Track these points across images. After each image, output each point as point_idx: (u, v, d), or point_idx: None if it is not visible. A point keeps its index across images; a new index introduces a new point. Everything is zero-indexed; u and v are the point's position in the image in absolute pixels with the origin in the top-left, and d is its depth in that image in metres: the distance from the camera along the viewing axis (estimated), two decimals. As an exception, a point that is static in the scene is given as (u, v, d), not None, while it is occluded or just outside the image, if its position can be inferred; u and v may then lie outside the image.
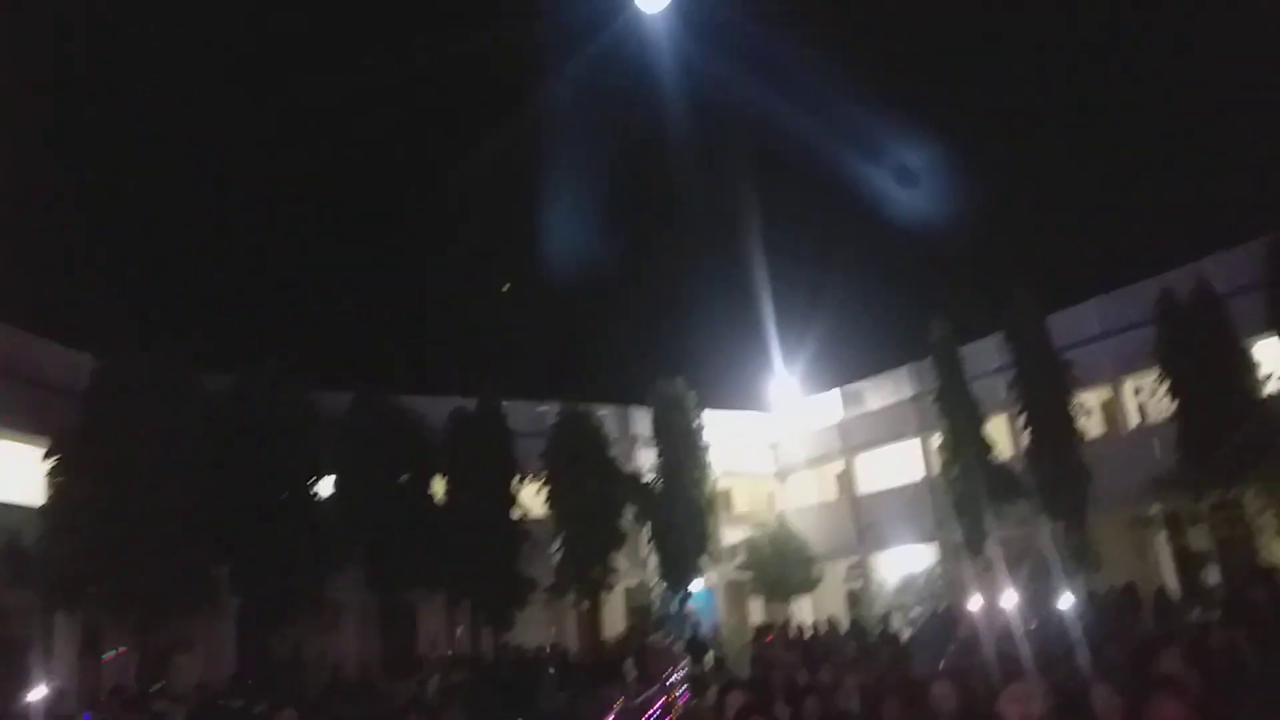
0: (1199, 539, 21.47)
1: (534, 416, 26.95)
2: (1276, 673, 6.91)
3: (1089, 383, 23.62)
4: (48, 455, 18.04)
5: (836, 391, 32.86)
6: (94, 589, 17.27)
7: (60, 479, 17.85)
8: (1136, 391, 24.57)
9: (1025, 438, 23.33)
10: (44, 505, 17.76)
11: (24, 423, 18.93)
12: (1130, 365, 23.35)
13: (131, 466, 17.50)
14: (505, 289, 35.81)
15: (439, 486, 24.32)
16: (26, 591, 16.84)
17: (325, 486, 22.46)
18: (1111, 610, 12.60)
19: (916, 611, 22.76)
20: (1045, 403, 22.73)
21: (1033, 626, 11.72)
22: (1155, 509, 22.04)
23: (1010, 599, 11.22)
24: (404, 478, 23.31)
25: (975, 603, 12.14)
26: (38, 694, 12.75)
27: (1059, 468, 22.05)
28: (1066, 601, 12.57)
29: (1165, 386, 20.77)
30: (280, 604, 20.08)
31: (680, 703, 17.84)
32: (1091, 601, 14.85)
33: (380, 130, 49.72)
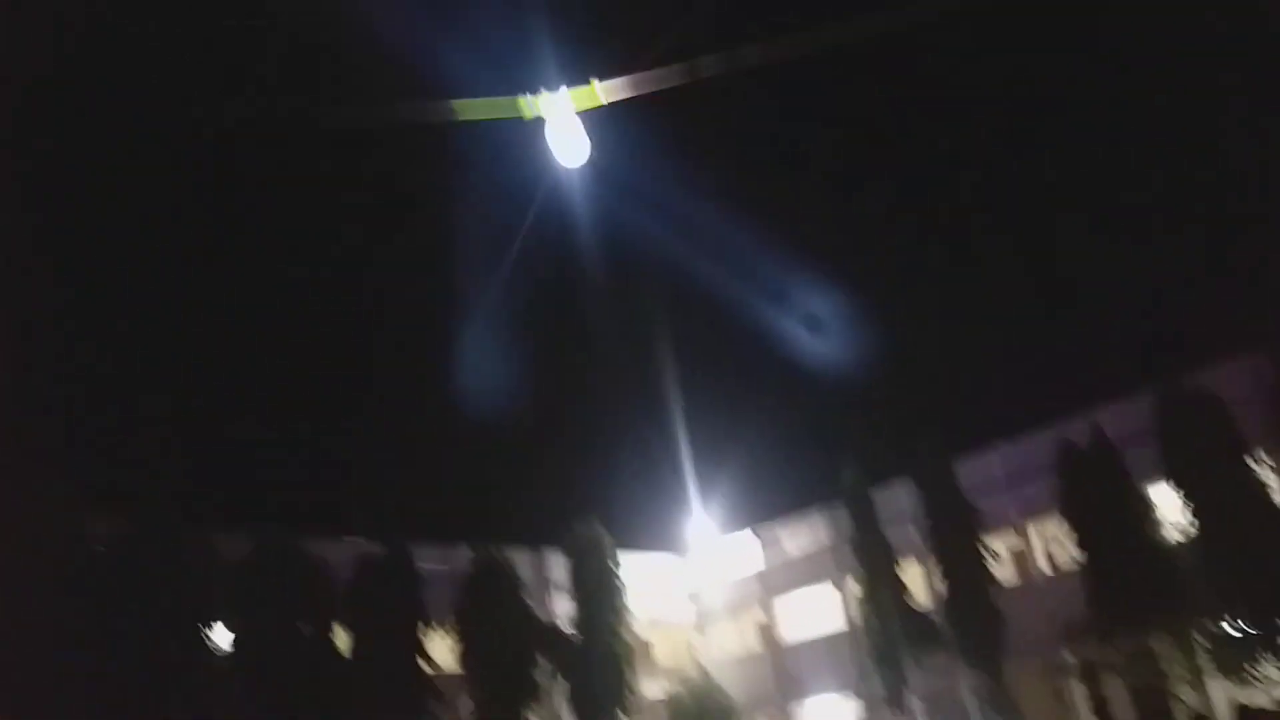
0: (1115, 688, 21.58)
1: (444, 560, 25.99)
2: None
3: (998, 529, 24.07)
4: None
5: (752, 534, 32.68)
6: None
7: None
8: (1044, 539, 25.08)
9: (942, 586, 23.39)
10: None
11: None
12: (1036, 512, 23.95)
13: (14, 617, 16.13)
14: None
15: (342, 637, 22.99)
16: None
17: (220, 637, 21.05)
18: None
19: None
20: (958, 549, 22.97)
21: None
22: (1070, 658, 22.15)
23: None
24: (306, 630, 21.96)
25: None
26: None
27: (975, 615, 22.12)
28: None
29: (1071, 533, 21.20)
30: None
31: None
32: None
33: (288, 264, 49.28)
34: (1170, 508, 20.14)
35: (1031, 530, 25.34)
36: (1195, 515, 18.67)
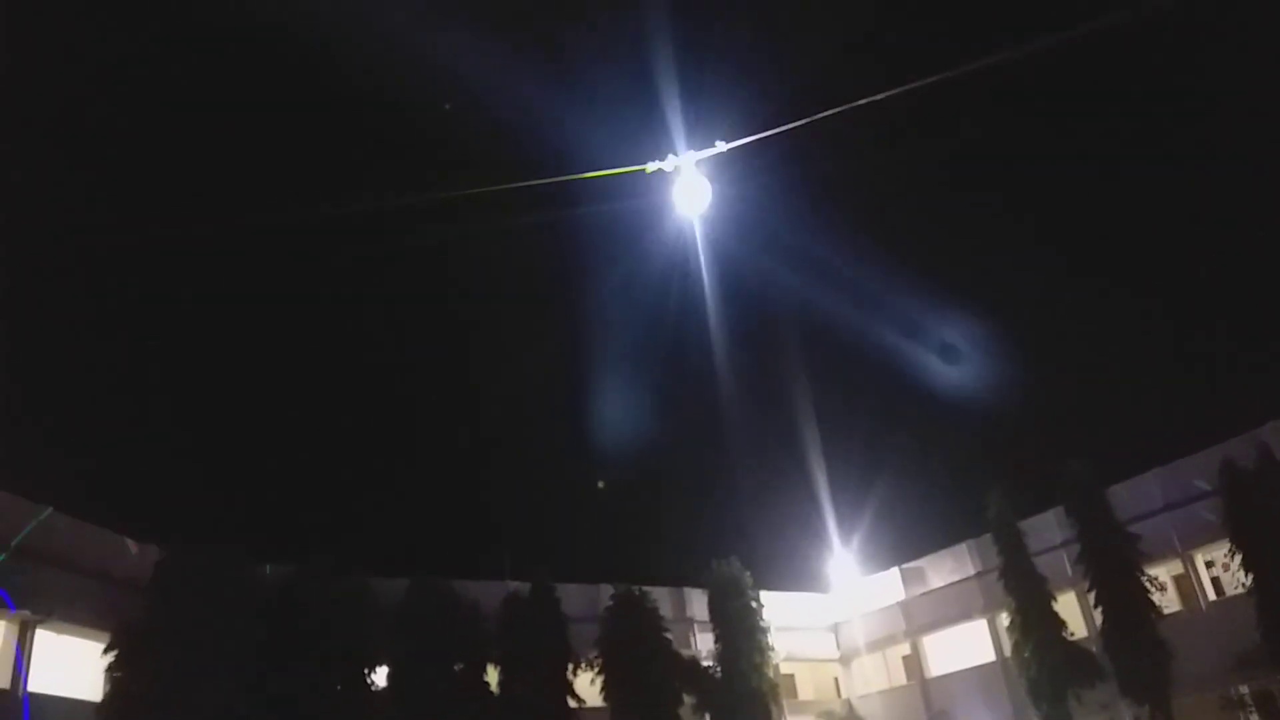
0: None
1: (588, 599, 26.62)
2: None
3: (1158, 556, 22.81)
4: (107, 650, 18.23)
5: (896, 570, 32.03)
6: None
7: (118, 674, 17.96)
8: (1209, 564, 23.64)
9: (1098, 615, 22.34)
10: (101, 701, 17.81)
11: (86, 616, 19.18)
12: (1199, 537, 22.61)
13: (188, 660, 17.60)
14: (600, 485, 36.27)
15: (493, 674, 23.87)
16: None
17: (380, 675, 22.22)
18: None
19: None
20: (1115, 578, 21.91)
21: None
22: (1243, 688, 20.76)
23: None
24: (458, 666, 22.93)
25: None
26: None
27: (1136, 646, 20.99)
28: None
29: (1238, 559, 20.00)
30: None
31: None
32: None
33: (426, 321, 51.82)
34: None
35: (1195, 556, 23.90)
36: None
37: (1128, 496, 23.68)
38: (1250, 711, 21.07)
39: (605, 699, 24.55)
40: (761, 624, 27.22)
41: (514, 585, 25.45)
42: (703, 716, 25.92)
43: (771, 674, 26.93)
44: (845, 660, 32.79)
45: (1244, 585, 19.86)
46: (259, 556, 21.15)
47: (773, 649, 27.27)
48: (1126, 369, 35.99)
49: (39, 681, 18.23)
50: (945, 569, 30.40)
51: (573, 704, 23.73)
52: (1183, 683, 20.63)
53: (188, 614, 18.27)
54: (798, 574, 34.03)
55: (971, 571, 28.67)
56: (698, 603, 28.94)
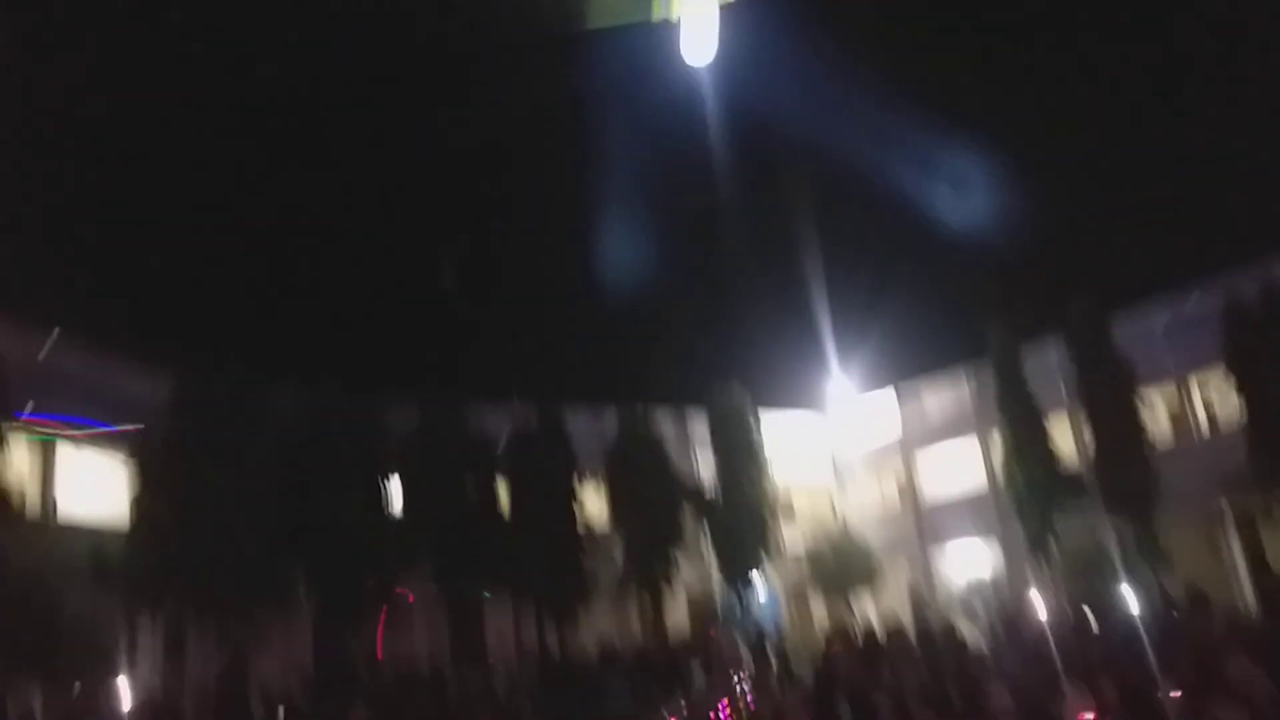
0: (1273, 537, 21.02)
1: (593, 419, 27.36)
2: None
3: (1154, 383, 23.25)
4: (130, 474, 18.86)
5: (893, 390, 32.71)
6: (175, 593, 18.00)
7: (141, 491, 18.64)
8: (1203, 394, 24.14)
9: (1090, 439, 22.98)
10: (126, 515, 18.57)
11: (105, 441, 19.74)
12: (1196, 365, 23.00)
13: (208, 479, 18.21)
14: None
15: (502, 491, 24.85)
16: (109, 596, 17.60)
17: (393, 496, 23.11)
18: (1177, 611, 12.49)
19: (983, 615, 22.65)
20: (1110, 402, 22.40)
21: (1099, 629, 11.71)
22: (1226, 507, 21.61)
23: (1076, 602, 11.20)
24: (468, 487, 23.82)
25: (1041, 607, 12.14)
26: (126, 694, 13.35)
27: (1126, 468, 21.71)
28: (1133, 603, 12.49)
29: (1232, 384, 20.36)
30: (354, 603, 20.74)
31: (746, 703, 18.07)
32: (1159, 603, 14.68)
33: (438, 149, 50.62)
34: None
35: (1191, 384, 24.39)
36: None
37: (1130, 325, 23.88)
38: (1229, 527, 22.03)
39: (610, 520, 25.73)
40: (760, 448, 28.10)
41: (521, 407, 26.15)
42: (703, 531, 27.21)
43: (769, 493, 28.05)
44: (841, 482, 34.04)
45: (1234, 418, 20.31)
46: (270, 381, 21.51)
47: (770, 470, 28.28)
48: (1138, 199, 35.35)
49: (65, 504, 19.05)
50: (943, 392, 31.05)
51: (578, 517, 24.87)
52: (1168, 502, 21.44)
53: (204, 435, 18.75)
54: (797, 393, 34.76)
55: (967, 392, 29.30)
56: (699, 425, 29.75)
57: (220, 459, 18.52)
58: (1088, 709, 4.25)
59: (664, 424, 28.03)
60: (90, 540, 17.83)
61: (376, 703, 11.81)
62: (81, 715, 11.30)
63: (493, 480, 24.57)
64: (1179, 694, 4.99)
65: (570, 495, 24.84)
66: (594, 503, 25.81)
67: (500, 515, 24.39)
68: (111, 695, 14.30)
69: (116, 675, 15.48)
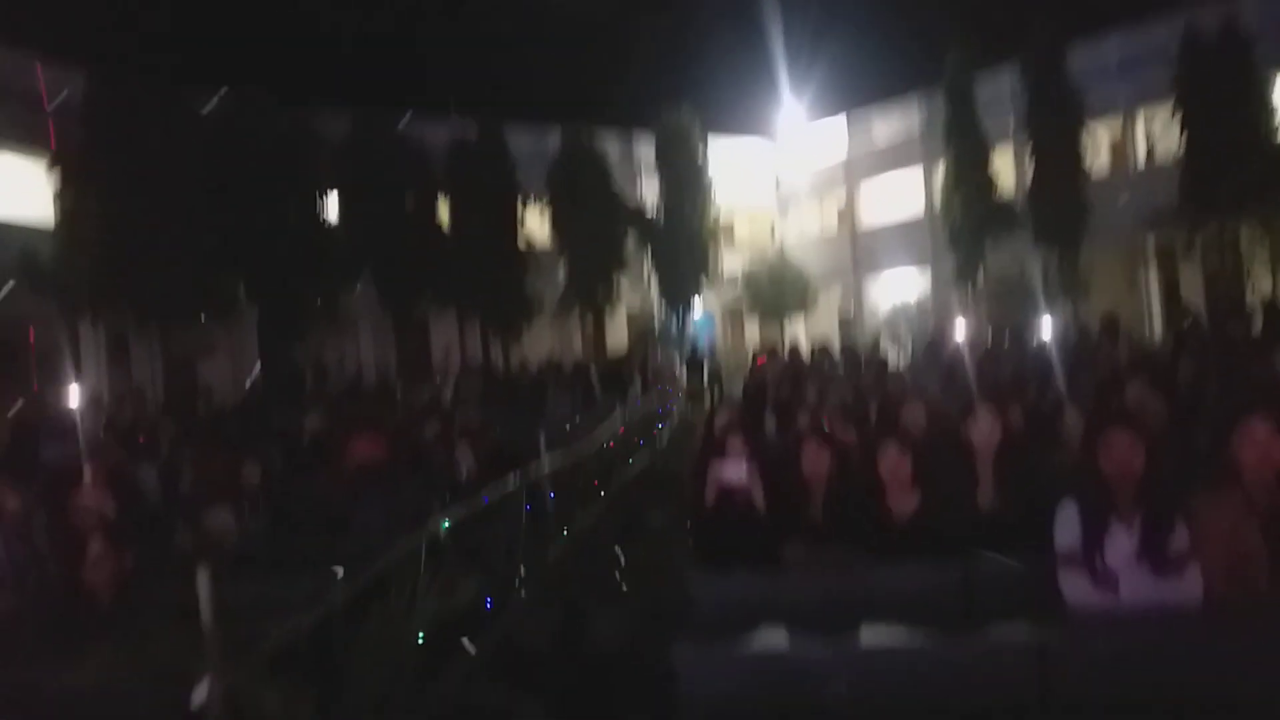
0: (1190, 273, 21.97)
1: (537, 139, 26.62)
2: (1236, 404, 7.37)
3: (1101, 114, 23.12)
4: (50, 170, 18.00)
5: (843, 117, 32.11)
6: (114, 302, 17.89)
7: (67, 194, 17.93)
8: (1147, 128, 24.16)
9: (1030, 171, 23.16)
10: (54, 220, 17.97)
11: (22, 137, 18.69)
12: (1145, 98, 22.80)
13: (134, 181, 17.54)
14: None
15: (443, 210, 24.54)
16: (49, 303, 17.42)
17: (330, 208, 22.68)
18: (1089, 339, 13.23)
19: (908, 339, 23.75)
20: (1055, 134, 22.35)
21: (1012, 353, 12.40)
22: (1149, 242, 22.35)
23: (997, 329, 11.74)
24: (408, 200, 23.41)
25: (961, 330, 12.73)
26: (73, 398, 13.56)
27: (1060, 200, 22.10)
28: (1047, 330, 13.18)
29: (1178, 119, 20.35)
30: (296, 313, 20.92)
31: (677, 411, 19.13)
32: (1072, 331, 15.49)
33: None
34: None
35: (1138, 119, 24.33)
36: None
37: (1084, 55, 23.28)
38: (1150, 260, 22.95)
39: (552, 239, 25.72)
40: (705, 172, 27.87)
41: (460, 122, 25.24)
42: (644, 258, 27.50)
43: (711, 222, 28.15)
44: (783, 208, 34.15)
45: (1177, 147, 20.44)
46: (191, 83, 20.23)
47: (714, 196, 28.21)
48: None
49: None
50: (892, 120, 30.58)
51: (521, 237, 24.83)
52: (1096, 235, 22.07)
53: (125, 136, 17.82)
54: (746, 119, 33.98)
55: (917, 123, 28.93)
56: (646, 145, 29.16)
57: (148, 162, 17.75)
58: (994, 430, 4.53)
59: (609, 145, 27.39)
60: (19, 242, 17.32)
61: (326, 411, 12.18)
62: (30, 422, 11.52)
63: (433, 195, 24.19)
64: (1079, 418, 5.35)
65: (512, 212, 24.67)
66: (536, 222, 25.68)
67: (441, 230, 24.25)
68: (59, 402, 14.55)
69: (62, 382, 15.69)
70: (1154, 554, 3.44)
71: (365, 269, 22.59)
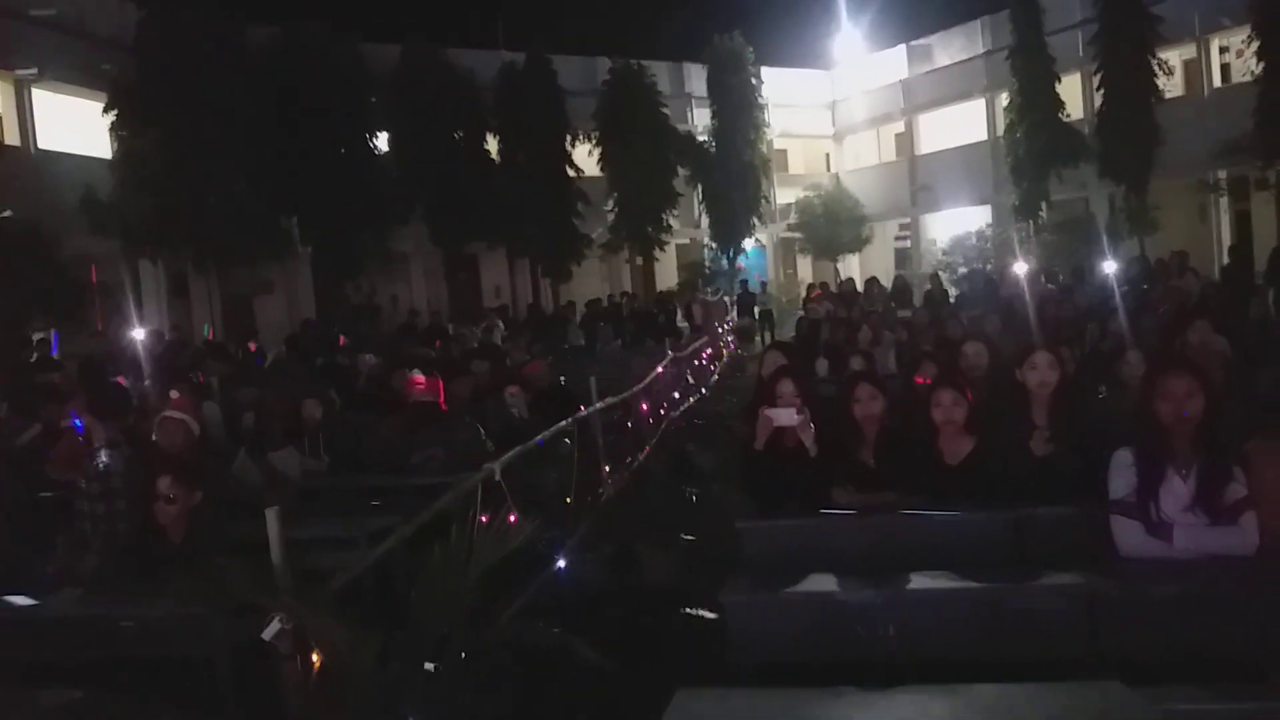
0: (1262, 206, 21.13)
1: (586, 73, 26.30)
2: None
3: (1174, 40, 22.09)
4: (107, 109, 18.25)
5: (903, 48, 31.15)
6: (173, 239, 18.23)
7: (124, 132, 18.18)
8: (1224, 50, 23.05)
9: (1099, 98, 22.28)
10: (112, 158, 18.27)
11: (77, 76, 18.93)
12: (1220, 23, 21.71)
13: (190, 119, 17.72)
14: None
15: (493, 144, 24.48)
16: (109, 241, 17.81)
17: (382, 142, 22.75)
18: (1155, 278, 12.87)
19: (962, 272, 23.25)
20: (1125, 59, 21.41)
21: (1074, 292, 12.10)
22: (1221, 174, 21.48)
23: (1056, 264, 11.46)
24: (458, 134, 23.37)
25: (1021, 265, 12.46)
26: (136, 333, 13.98)
27: (1129, 129, 21.25)
28: (1112, 267, 12.84)
29: (1254, 46, 19.37)
30: (350, 253, 21.18)
31: (728, 351, 19.12)
32: (1139, 267, 15.07)
33: None
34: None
35: (1212, 41, 23.20)
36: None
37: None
38: (1222, 194, 22.07)
39: (602, 170, 25.51)
40: (759, 100, 27.35)
41: (509, 56, 25.02)
42: (696, 188, 27.20)
43: (765, 149, 27.69)
44: (839, 137, 33.42)
45: (1253, 74, 19.50)
46: (245, 19, 20.30)
47: (768, 125, 27.70)
48: None
49: (46, 141, 18.66)
50: (955, 47, 29.59)
51: (571, 173, 24.70)
52: (1164, 167, 21.27)
53: (179, 80, 17.94)
54: (801, 50, 33.19)
55: (981, 50, 27.96)
56: (696, 78, 28.66)
57: (204, 100, 17.90)
58: (1051, 373, 4.45)
59: (660, 77, 26.96)
60: (81, 180, 17.67)
61: (382, 351, 12.41)
62: (96, 360, 11.89)
63: (482, 131, 24.14)
64: (1142, 359, 5.24)
65: (562, 147, 24.54)
66: (585, 159, 25.50)
67: (491, 166, 24.23)
68: (120, 335, 15.00)
69: (125, 320, 16.15)
70: (1209, 502, 3.39)
71: (417, 206, 22.70)
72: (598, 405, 6.80)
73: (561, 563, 4.81)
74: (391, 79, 22.63)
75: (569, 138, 24.80)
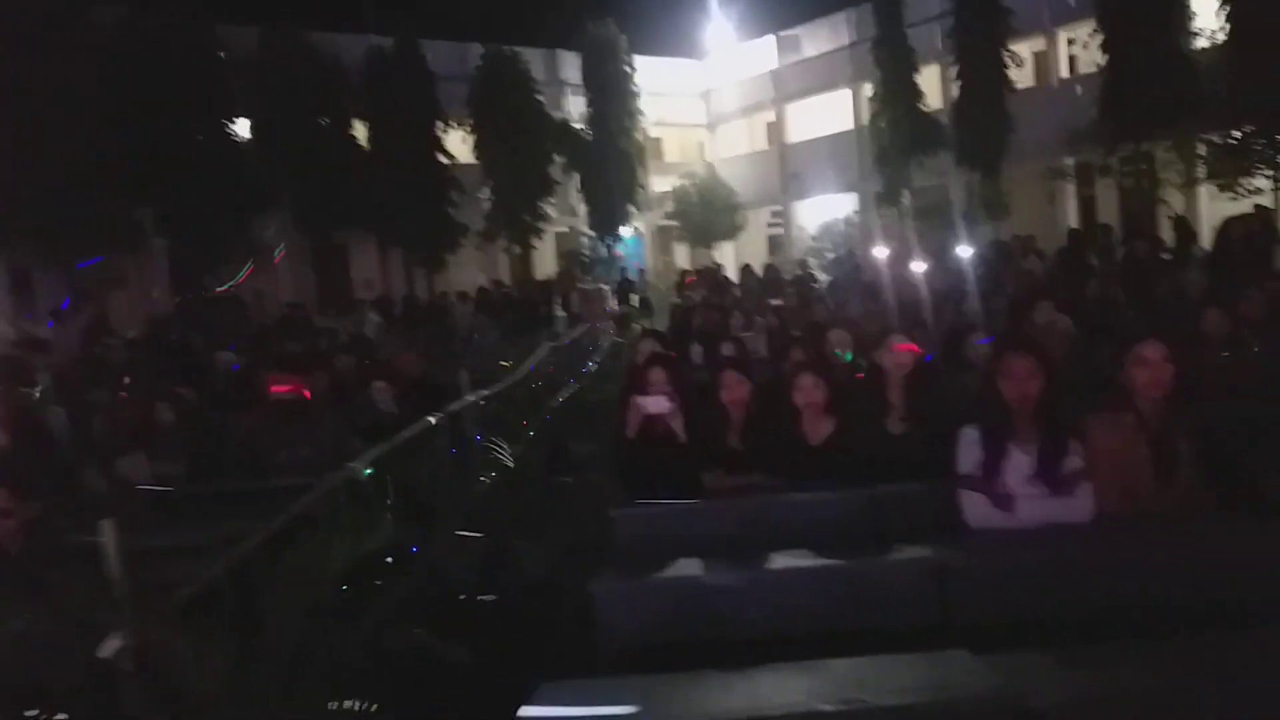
0: (1106, 190, 22.50)
1: (458, 58, 25.81)
2: (1143, 322, 7.65)
3: (1025, 32, 23.29)
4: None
5: (772, 38, 31.83)
6: (16, 229, 17.11)
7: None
8: (1070, 43, 24.44)
9: (955, 89, 23.31)
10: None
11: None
12: (1068, 15, 23.00)
13: (33, 104, 16.59)
14: None
15: (361, 131, 23.79)
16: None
17: (243, 129, 21.82)
18: (1005, 261, 13.54)
19: (831, 258, 23.95)
20: (979, 51, 22.47)
21: (932, 276, 12.61)
22: (1069, 161, 22.76)
23: (915, 248, 11.92)
24: (323, 120, 22.62)
25: (882, 251, 12.91)
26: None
27: (983, 118, 22.32)
28: (966, 251, 13.43)
29: (1099, 39, 20.56)
30: (209, 244, 20.25)
31: (609, 339, 19.16)
32: (993, 251, 15.78)
33: None
34: (1209, 18, 19.24)
35: (1060, 34, 24.60)
36: (1229, 20, 17.91)
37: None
38: (1069, 180, 23.42)
39: (477, 157, 25.13)
40: (633, 88, 27.43)
41: (376, 40, 24.33)
42: (573, 176, 27.11)
43: (640, 137, 27.82)
44: (712, 126, 33.89)
45: (1098, 65, 20.69)
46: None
47: (643, 113, 27.83)
48: None
49: None
50: (821, 38, 30.40)
51: (444, 160, 24.23)
52: (1016, 154, 22.42)
53: (20, 62, 16.76)
54: (673, 39, 33.46)
55: (846, 41, 28.81)
56: (570, 66, 28.51)
57: (47, 84, 16.77)
58: (904, 354, 4.64)
59: (535, 65, 26.70)
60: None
61: (242, 342, 11.91)
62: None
63: (350, 118, 23.43)
64: (987, 340, 5.50)
65: (433, 134, 24.04)
66: (459, 147, 25.06)
67: (359, 154, 23.55)
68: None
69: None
70: (1049, 475, 3.59)
71: (281, 195, 21.87)
72: (468, 398, 6.70)
73: (432, 561, 4.72)
74: (251, 63, 21.70)
75: (441, 124, 24.29)
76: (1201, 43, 19.42)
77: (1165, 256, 12.98)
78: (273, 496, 4.95)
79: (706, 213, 29.62)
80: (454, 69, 25.14)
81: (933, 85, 25.11)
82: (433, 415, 6.02)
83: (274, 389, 6.20)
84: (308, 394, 6.12)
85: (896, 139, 24.06)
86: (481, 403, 7.16)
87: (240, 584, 3.78)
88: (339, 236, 23.62)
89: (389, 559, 4.04)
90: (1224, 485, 3.64)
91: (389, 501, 4.46)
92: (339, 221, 22.67)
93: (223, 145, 20.83)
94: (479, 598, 4.49)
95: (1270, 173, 17.57)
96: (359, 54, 23.67)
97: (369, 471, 4.36)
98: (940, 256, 15.63)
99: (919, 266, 11.31)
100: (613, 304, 22.42)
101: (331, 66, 22.76)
